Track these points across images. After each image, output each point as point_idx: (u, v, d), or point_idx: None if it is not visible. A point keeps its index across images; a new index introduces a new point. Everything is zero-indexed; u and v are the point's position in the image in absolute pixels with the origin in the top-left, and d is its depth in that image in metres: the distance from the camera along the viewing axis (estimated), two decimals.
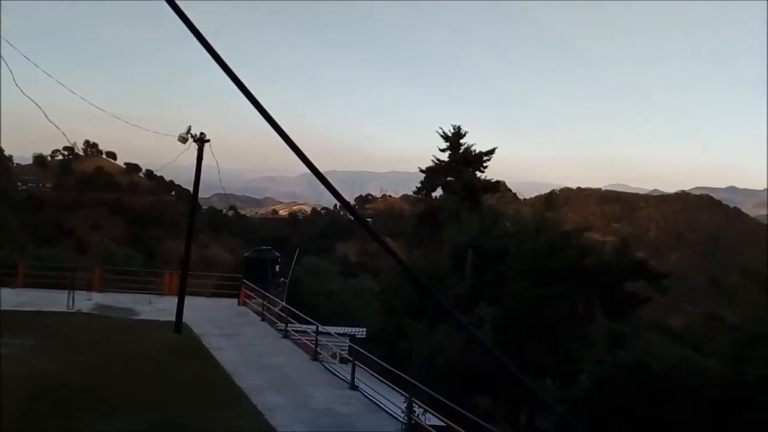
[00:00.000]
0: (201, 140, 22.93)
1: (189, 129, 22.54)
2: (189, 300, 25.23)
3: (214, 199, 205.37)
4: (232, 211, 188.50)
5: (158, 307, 28.77)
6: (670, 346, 21.46)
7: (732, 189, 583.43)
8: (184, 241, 24.98)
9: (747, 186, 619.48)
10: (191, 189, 24.80)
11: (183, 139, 22.31)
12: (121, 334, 22.31)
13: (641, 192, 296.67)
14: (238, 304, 31.79)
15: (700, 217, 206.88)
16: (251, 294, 30.81)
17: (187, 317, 24.04)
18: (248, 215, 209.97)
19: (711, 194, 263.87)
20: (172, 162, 24.42)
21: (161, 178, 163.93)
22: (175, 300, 24.20)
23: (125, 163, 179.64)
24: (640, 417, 20.75)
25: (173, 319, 23.49)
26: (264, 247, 37.16)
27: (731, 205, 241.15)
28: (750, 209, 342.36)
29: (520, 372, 4.73)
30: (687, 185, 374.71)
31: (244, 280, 32.13)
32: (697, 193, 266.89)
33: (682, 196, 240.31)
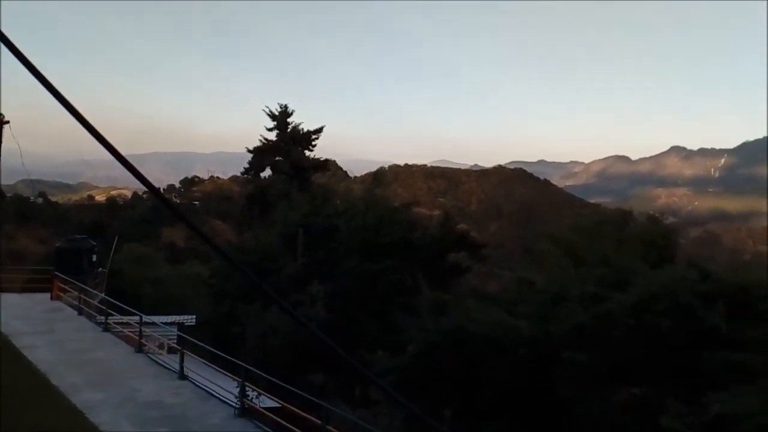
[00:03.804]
0: None
1: None
2: None
3: (19, 186, 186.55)
4: (41, 199, 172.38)
5: None
6: (486, 311, 23.05)
7: (542, 162, 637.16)
8: None
9: (555, 159, 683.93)
10: None
11: None
12: None
13: (463, 167, 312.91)
14: (51, 298, 29.60)
15: (515, 189, 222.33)
16: (66, 287, 28.75)
17: None
18: (60, 202, 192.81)
19: (524, 167, 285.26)
20: None
21: None
22: None
23: None
24: (461, 378, 22.22)
25: None
26: (78, 236, 34.81)
27: (542, 177, 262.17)
28: (558, 180, 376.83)
29: (341, 349, 4.90)
30: (503, 160, 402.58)
31: (56, 273, 29.86)
32: (512, 167, 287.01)
33: (499, 170, 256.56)
